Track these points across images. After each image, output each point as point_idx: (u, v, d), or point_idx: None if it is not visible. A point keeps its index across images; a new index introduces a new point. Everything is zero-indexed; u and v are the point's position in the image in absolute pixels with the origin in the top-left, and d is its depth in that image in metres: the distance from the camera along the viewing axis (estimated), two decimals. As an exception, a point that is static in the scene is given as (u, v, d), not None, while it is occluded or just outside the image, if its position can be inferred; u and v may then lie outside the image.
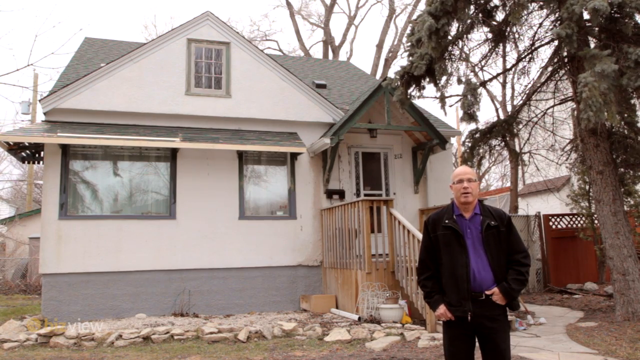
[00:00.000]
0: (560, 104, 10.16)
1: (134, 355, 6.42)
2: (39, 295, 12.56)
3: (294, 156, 10.52)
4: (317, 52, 34.79)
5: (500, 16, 8.76)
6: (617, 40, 7.06)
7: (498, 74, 10.06)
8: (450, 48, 8.49)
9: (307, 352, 6.39)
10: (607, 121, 6.62)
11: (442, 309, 3.33)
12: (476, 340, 3.35)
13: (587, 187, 11.49)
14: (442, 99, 8.64)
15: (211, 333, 7.25)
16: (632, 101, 8.23)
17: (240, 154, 10.22)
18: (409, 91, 8.69)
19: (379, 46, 25.71)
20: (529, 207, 18.30)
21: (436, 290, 3.40)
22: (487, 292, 3.25)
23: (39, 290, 13.85)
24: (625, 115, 8.13)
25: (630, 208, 10.74)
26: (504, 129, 9.45)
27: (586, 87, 6.35)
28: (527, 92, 10.02)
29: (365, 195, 10.95)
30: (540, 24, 8.97)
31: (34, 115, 18.91)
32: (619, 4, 6.52)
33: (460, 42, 8.66)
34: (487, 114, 58.99)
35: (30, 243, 16.49)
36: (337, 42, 27.06)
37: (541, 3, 8.06)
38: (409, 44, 8.41)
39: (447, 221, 3.37)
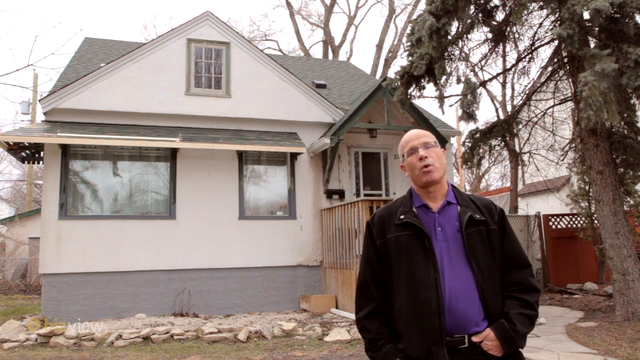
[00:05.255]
0: (560, 104, 10.16)
1: (134, 355, 6.42)
2: (39, 295, 12.56)
3: (294, 156, 10.52)
4: (317, 52, 34.81)
5: (500, 16, 8.76)
6: (616, 40, 7.06)
7: (498, 74, 10.07)
8: (450, 48, 8.50)
9: (307, 352, 6.39)
10: (607, 120, 6.62)
11: None
12: None
13: (587, 187, 11.48)
14: (441, 99, 8.65)
15: (211, 333, 7.25)
16: (632, 101, 8.23)
17: (240, 154, 10.22)
18: (409, 91, 8.69)
19: (379, 46, 25.71)
20: (529, 207, 18.28)
21: (385, 337, 2.07)
22: (475, 339, 1.98)
23: (39, 290, 13.85)
24: (625, 115, 8.13)
25: (630, 208, 10.73)
26: (504, 129, 9.45)
27: (586, 86, 6.35)
28: (527, 92, 10.02)
29: (365, 195, 10.95)
30: (540, 24, 8.98)
31: (34, 115, 18.90)
32: (620, 4, 6.51)
33: (460, 42, 8.66)
34: (487, 114, 59.04)
35: (30, 243, 16.48)
36: (337, 42, 27.06)
37: (541, 3, 8.05)
38: (409, 43, 8.41)
39: (402, 216, 2.08)
